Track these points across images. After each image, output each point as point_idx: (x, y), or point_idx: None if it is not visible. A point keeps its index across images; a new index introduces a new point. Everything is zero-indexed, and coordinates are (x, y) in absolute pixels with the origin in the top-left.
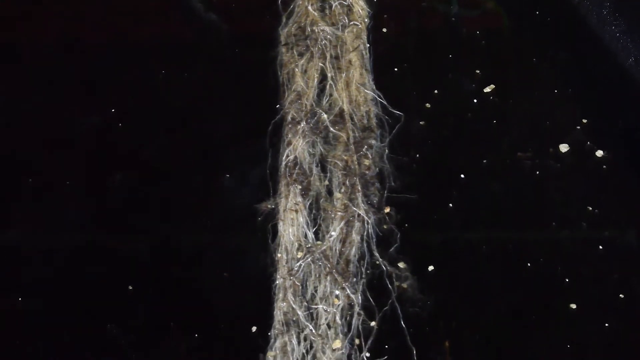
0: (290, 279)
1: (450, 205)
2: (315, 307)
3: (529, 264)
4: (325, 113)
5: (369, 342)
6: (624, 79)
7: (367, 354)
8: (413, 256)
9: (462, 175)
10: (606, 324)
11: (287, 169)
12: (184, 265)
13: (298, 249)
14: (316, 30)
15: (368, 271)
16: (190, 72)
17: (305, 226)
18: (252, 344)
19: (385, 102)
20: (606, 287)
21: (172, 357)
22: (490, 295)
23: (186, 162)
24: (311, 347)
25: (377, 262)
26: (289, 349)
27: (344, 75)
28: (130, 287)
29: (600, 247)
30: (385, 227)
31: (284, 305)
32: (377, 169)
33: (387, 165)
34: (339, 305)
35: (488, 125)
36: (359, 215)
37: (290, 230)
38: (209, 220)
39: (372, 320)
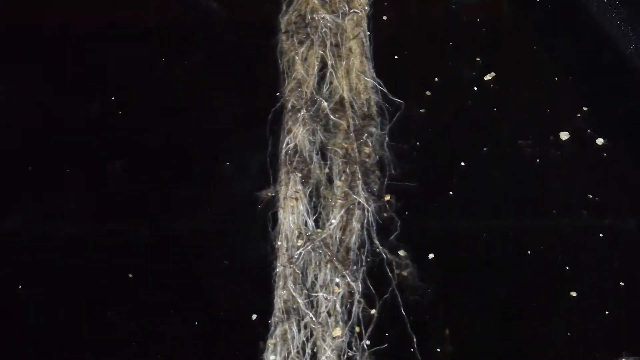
0: (290, 267)
1: (451, 193)
2: (316, 295)
3: (529, 252)
4: (326, 101)
5: (369, 330)
6: (624, 67)
7: (368, 342)
8: (413, 244)
9: (463, 163)
10: (606, 312)
11: (288, 157)
12: (184, 253)
13: (298, 237)
14: (316, 18)
15: (368, 259)
16: (191, 59)
17: (305, 214)
18: (252, 332)
19: (385, 90)
20: (606, 275)
21: (172, 345)
22: (490, 283)
23: (186, 150)
24: (311, 334)
25: (377, 250)
26: (289, 336)
27: (344, 63)
28: (131, 275)
29: (601, 234)
30: (385, 215)
31: (284, 293)
32: (377, 156)
33: (387, 153)
34: (339, 293)
35: (488, 113)
36: (359, 203)
37: (291, 218)
38: (209, 208)
39: (372, 308)
